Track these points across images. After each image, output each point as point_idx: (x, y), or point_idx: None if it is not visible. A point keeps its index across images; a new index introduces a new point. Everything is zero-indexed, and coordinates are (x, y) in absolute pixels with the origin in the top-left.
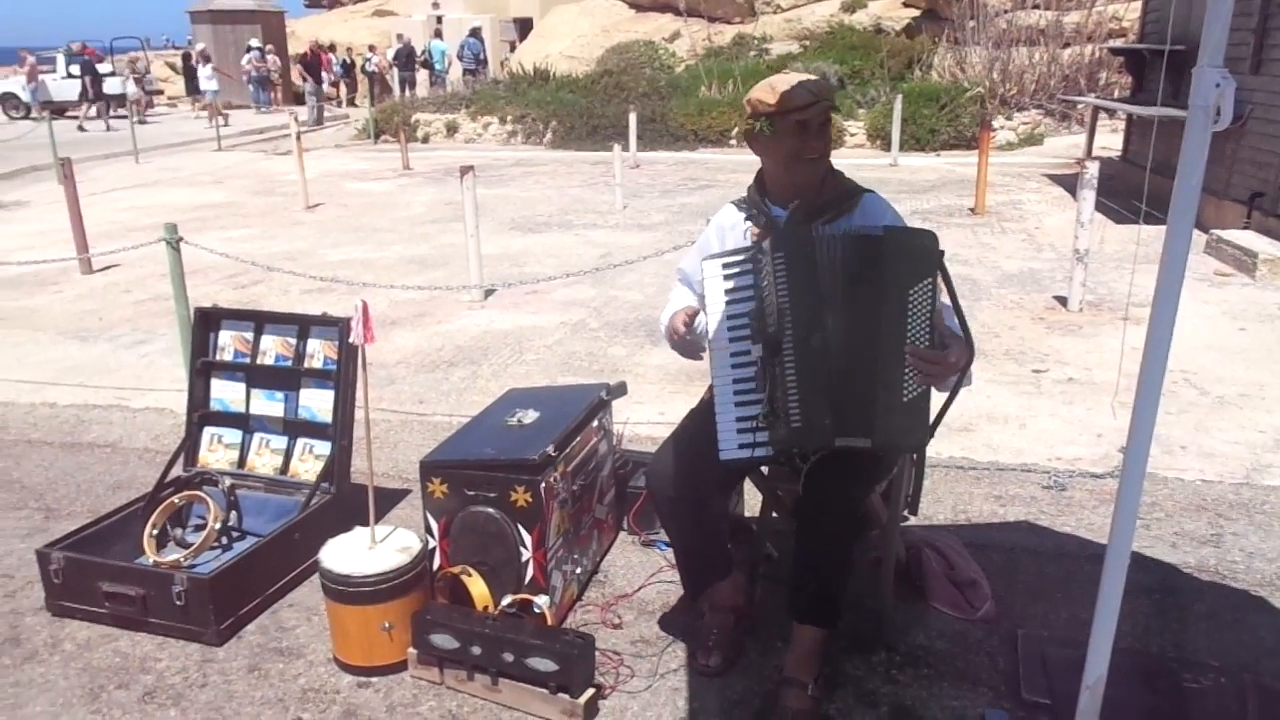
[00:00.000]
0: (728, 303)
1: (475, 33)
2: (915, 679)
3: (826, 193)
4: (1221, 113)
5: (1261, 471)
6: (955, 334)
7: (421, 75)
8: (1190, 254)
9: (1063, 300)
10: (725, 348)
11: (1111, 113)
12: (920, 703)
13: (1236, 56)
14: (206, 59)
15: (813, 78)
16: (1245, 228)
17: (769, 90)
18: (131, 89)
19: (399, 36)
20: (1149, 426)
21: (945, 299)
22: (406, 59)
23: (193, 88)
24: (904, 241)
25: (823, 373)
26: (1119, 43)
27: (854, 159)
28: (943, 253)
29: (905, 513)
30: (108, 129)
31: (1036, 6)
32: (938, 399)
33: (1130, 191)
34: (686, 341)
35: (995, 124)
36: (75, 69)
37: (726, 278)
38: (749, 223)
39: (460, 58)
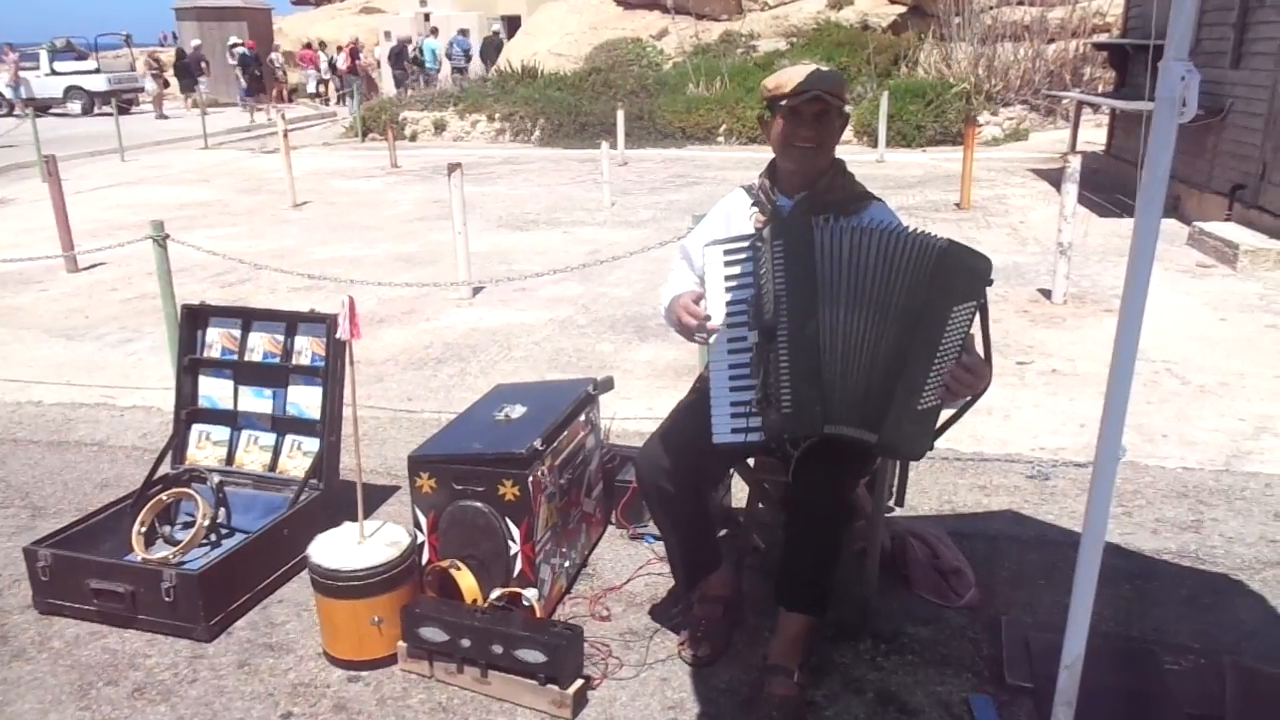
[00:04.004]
0: (727, 289)
1: (465, 31)
2: (900, 665)
3: (836, 190)
4: (1187, 104)
5: (1241, 458)
6: (979, 358)
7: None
8: (1172, 246)
9: (1047, 293)
10: (723, 333)
11: (1095, 107)
12: (905, 689)
13: (1217, 51)
14: None
15: (825, 70)
16: (1227, 219)
17: (774, 76)
18: (150, 85)
19: (387, 34)
20: (1122, 404)
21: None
22: (397, 57)
23: (186, 85)
24: (965, 258)
25: (814, 361)
26: (1103, 38)
27: (840, 155)
28: (991, 281)
29: (891, 503)
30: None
31: (1021, 2)
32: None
33: (1114, 185)
34: (692, 327)
35: (981, 119)
36: (59, 65)
37: (727, 264)
38: (755, 209)
39: (450, 55)
